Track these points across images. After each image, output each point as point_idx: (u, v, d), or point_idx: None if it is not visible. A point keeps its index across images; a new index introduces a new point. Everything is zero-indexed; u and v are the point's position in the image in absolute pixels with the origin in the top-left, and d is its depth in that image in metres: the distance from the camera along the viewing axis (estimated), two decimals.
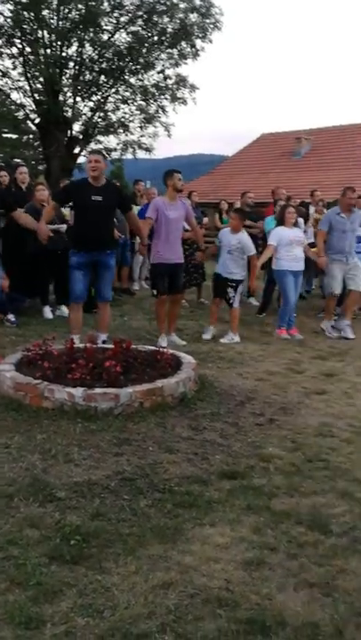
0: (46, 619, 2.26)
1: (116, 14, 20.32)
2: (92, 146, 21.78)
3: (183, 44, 20.63)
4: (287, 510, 3.13)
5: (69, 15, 19.65)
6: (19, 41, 19.82)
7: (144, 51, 20.64)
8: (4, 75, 20.80)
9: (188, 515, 3.05)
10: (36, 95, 20.59)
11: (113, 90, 21.40)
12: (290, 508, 3.17)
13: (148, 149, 21.98)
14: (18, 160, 26.79)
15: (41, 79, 20.15)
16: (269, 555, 2.73)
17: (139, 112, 21.67)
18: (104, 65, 20.84)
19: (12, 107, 22.43)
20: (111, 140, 22.28)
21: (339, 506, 3.21)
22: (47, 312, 7.99)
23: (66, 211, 8.32)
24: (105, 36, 20.50)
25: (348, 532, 2.95)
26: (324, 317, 8.07)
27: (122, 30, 20.65)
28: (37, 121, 21.03)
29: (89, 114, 21.38)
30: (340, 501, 3.26)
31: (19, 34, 19.59)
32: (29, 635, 2.18)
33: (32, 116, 21.57)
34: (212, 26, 20.39)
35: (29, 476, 3.42)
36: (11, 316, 7.34)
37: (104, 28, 20.31)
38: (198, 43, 20.67)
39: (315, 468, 3.68)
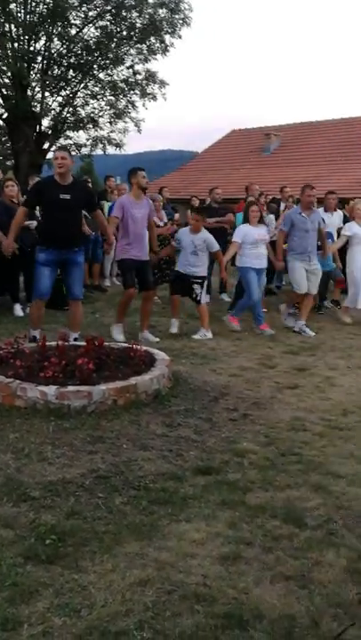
0: (23, 619, 2.25)
1: (84, 8, 20.11)
2: (62, 141, 21.56)
3: (152, 39, 20.52)
4: (262, 504, 3.16)
5: (37, 9, 19.39)
6: None
7: (113, 46, 20.48)
8: None
9: (164, 511, 3.05)
10: (3, 90, 20.28)
11: (82, 85, 21.20)
12: (265, 502, 3.19)
13: (118, 145, 21.84)
14: None
15: (9, 74, 19.85)
16: (245, 549, 2.74)
17: (108, 107, 21.52)
18: (73, 60, 20.62)
19: None
20: (81, 136, 22.11)
21: (313, 499, 3.25)
22: (18, 310, 7.91)
23: None
24: (73, 31, 20.28)
25: (322, 524, 2.99)
26: (284, 302, 8.31)
27: (90, 25, 20.46)
28: (5, 116, 20.72)
29: (58, 109, 21.15)
30: (313, 494, 3.30)
31: None
32: (6, 636, 2.16)
33: None
34: (181, 21, 20.32)
35: (2, 475, 3.39)
36: None
37: (72, 22, 20.08)
38: (167, 38, 20.60)
39: (288, 462, 3.72)
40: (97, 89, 21.44)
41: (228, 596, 2.41)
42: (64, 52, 20.43)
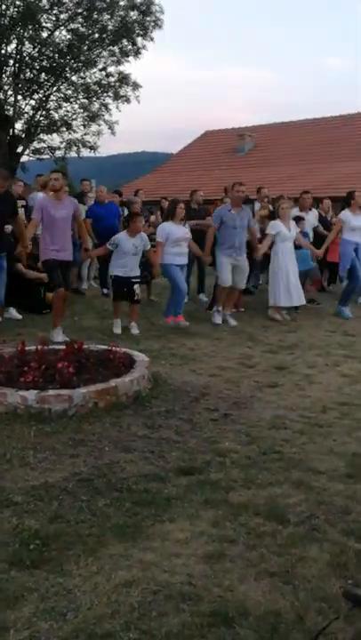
0: (9, 625, 2.24)
1: (55, 11, 20.07)
2: (35, 144, 21.46)
3: (124, 41, 20.54)
4: (245, 502, 3.18)
5: (7, 12, 19.27)
6: None
7: (85, 48, 20.46)
8: None
9: (147, 512, 3.06)
10: None
11: (55, 88, 21.13)
12: (247, 500, 3.21)
13: (92, 147, 21.80)
14: None
15: None
16: (229, 547, 2.76)
17: (82, 110, 21.47)
18: (45, 63, 20.54)
19: None
20: (54, 139, 22.01)
21: (295, 495, 3.28)
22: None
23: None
24: (45, 34, 20.21)
25: (305, 520, 3.02)
26: (216, 305, 8.27)
27: (62, 27, 20.40)
28: None
29: (31, 112, 21.04)
30: (295, 491, 3.33)
31: None
32: None
33: None
34: (152, 23, 20.39)
35: None
36: None
37: (44, 25, 20.01)
38: (139, 40, 20.63)
39: (270, 460, 3.74)
40: (70, 92, 21.39)
41: (213, 594, 2.43)
42: (36, 55, 20.34)
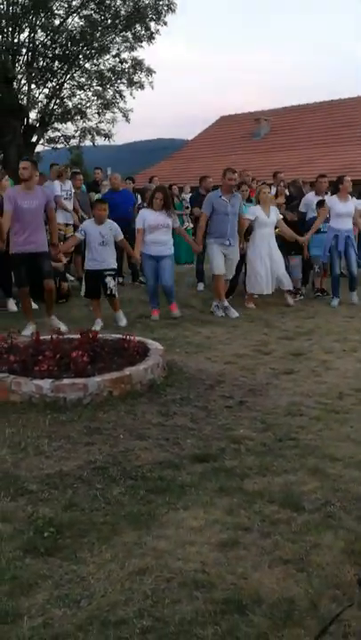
0: (23, 612, 2.26)
1: None
2: (50, 133, 21.42)
3: (137, 26, 20.32)
4: (259, 490, 3.17)
5: (19, 0, 19.18)
6: None
7: (98, 35, 20.27)
8: None
9: (162, 500, 3.06)
10: None
11: (68, 76, 21.00)
12: (262, 487, 3.20)
13: (106, 136, 21.67)
14: None
15: None
16: (243, 535, 2.75)
17: (95, 98, 21.34)
18: (58, 50, 20.40)
19: None
20: (69, 127, 21.92)
21: (310, 483, 3.25)
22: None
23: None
24: (57, 21, 20.06)
25: (320, 507, 2.99)
26: (215, 299, 7.97)
27: (74, 14, 20.22)
28: None
29: (45, 101, 20.96)
30: (311, 478, 3.31)
31: None
32: (7, 629, 2.17)
33: None
34: (165, 7, 20.14)
35: (0, 470, 3.39)
36: None
37: (56, 12, 19.85)
38: (153, 25, 20.40)
39: (285, 447, 3.72)
40: (83, 79, 21.26)
41: (226, 581, 2.42)
42: (49, 43, 20.22)
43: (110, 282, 6.97)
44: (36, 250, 6.57)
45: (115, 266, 7.18)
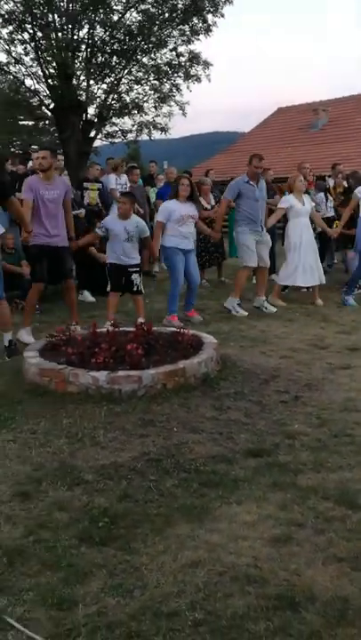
0: (78, 599, 2.30)
1: None
2: (107, 128, 21.65)
3: (195, 19, 20.25)
4: (314, 486, 3.13)
5: None
6: (30, 26, 19.68)
7: (155, 29, 20.32)
8: (18, 61, 20.68)
9: (215, 493, 3.06)
10: (49, 80, 20.48)
11: (126, 71, 21.13)
12: (316, 483, 3.16)
13: (163, 129, 21.72)
14: (35, 147, 26.86)
15: (54, 64, 20.03)
16: (297, 531, 2.73)
17: (152, 92, 21.41)
18: (116, 46, 20.56)
19: (27, 93, 22.38)
20: (126, 122, 22.10)
21: None
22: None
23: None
24: (115, 17, 20.22)
25: None
26: (232, 294, 7.54)
27: (132, 9, 20.34)
28: (52, 106, 20.94)
29: (103, 96, 21.18)
30: None
31: (29, 19, 19.44)
32: (62, 615, 2.22)
33: (46, 101, 21.49)
34: (223, 0, 19.99)
35: (57, 460, 3.47)
36: None
37: (114, 8, 20.03)
38: (210, 18, 20.28)
39: (341, 443, 3.66)
40: (141, 74, 21.35)
41: (279, 577, 2.41)
42: (107, 38, 20.39)
43: (136, 278, 6.72)
44: (61, 244, 6.27)
45: (138, 262, 6.84)
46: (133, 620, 2.18)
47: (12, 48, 20.37)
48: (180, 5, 20.03)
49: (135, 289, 6.74)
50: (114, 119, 21.63)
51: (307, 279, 7.93)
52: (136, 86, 21.40)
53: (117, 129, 21.70)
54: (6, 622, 2.19)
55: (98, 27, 20.02)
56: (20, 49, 20.44)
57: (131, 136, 21.99)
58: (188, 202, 7.05)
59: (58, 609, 2.25)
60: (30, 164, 8.59)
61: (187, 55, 20.89)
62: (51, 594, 2.32)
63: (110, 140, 22.00)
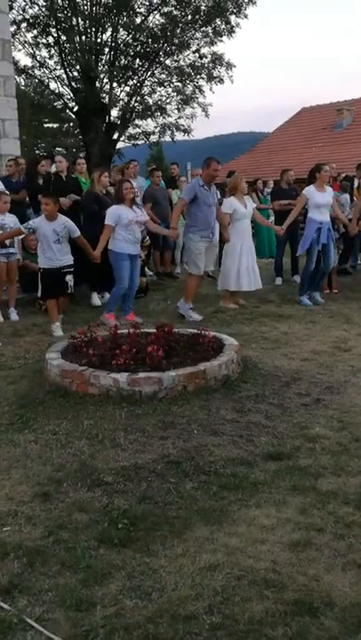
0: (96, 601, 2.32)
1: None
2: (130, 130, 21.77)
3: (218, 21, 20.25)
4: (334, 490, 3.10)
5: (102, 0, 19.56)
6: (54, 30, 19.90)
7: (178, 31, 20.37)
8: (42, 65, 20.95)
9: (234, 496, 3.05)
10: (73, 83, 20.68)
11: (149, 73, 21.25)
12: (337, 487, 3.14)
13: (185, 131, 21.79)
14: (59, 149, 27.10)
15: (77, 67, 20.21)
16: (316, 535, 2.71)
17: (175, 94, 21.48)
18: (139, 48, 20.68)
19: (52, 96, 22.63)
20: (149, 124, 22.21)
21: None
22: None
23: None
24: (138, 19, 20.32)
25: None
26: (183, 299, 7.32)
27: (155, 12, 20.43)
28: (76, 109, 21.13)
29: (126, 99, 21.31)
30: None
31: (53, 22, 19.66)
32: (81, 616, 2.24)
33: (70, 104, 21.70)
34: (246, 0, 19.95)
35: (77, 461, 3.49)
36: None
37: (137, 10, 20.13)
38: (233, 19, 20.27)
39: None
40: (163, 76, 21.45)
41: (298, 582, 2.39)
42: (130, 41, 20.50)
43: (70, 280, 6.54)
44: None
45: (71, 262, 6.62)
46: (151, 623, 2.19)
47: (37, 52, 20.64)
48: (203, 7, 20.06)
49: (69, 290, 6.63)
50: (137, 121, 21.76)
51: (251, 282, 7.78)
52: (159, 88, 21.52)
53: (140, 131, 21.82)
54: (26, 622, 2.21)
55: (121, 30, 20.13)
56: (44, 52, 20.68)
57: (153, 138, 22.08)
58: (134, 207, 6.91)
59: (76, 610, 2.27)
60: (54, 167, 8.65)
61: (210, 57, 20.92)
62: (69, 595, 2.34)
63: (133, 141, 22.11)
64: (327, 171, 7.95)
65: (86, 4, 19.60)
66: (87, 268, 7.67)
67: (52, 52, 20.50)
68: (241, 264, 7.67)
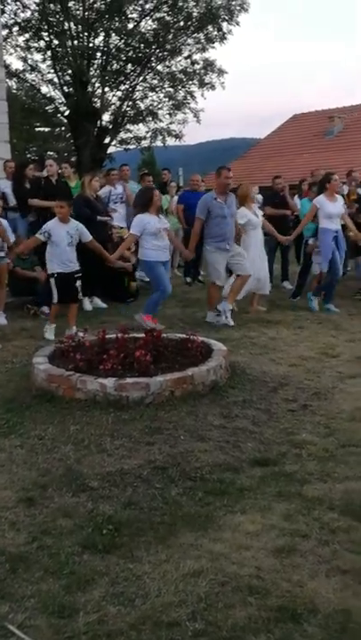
0: (79, 607, 2.30)
1: (140, 1, 20.17)
2: (122, 135, 21.81)
3: (210, 27, 20.36)
4: (320, 496, 3.10)
5: (95, 5, 19.62)
6: (46, 34, 19.93)
7: (170, 37, 20.47)
8: (34, 69, 20.98)
9: (220, 502, 3.05)
10: (65, 88, 20.70)
11: (140, 78, 21.33)
12: (323, 494, 3.14)
13: (177, 136, 21.87)
14: (51, 153, 27.06)
15: (69, 71, 20.24)
16: (301, 542, 2.71)
17: (167, 99, 21.57)
18: (131, 53, 20.76)
19: (43, 100, 22.62)
20: (140, 129, 22.26)
21: None
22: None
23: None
24: (131, 25, 20.40)
25: None
26: (208, 308, 7.44)
27: (147, 17, 20.51)
28: (67, 113, 21.14)
29: (117, 103, 21.37)
30: None
31: (46, 27, 19.69)
32: (63, 623, 2.22)
33: (62, 108, 21.72)
34: (238, 7, 20.07)
35: (63, 466, 3.48)
36: (45, 309, 7.43)
37: (129, 16, 20.20)
38: (225, 25, 20.38)
39: (348, 454, 3.63)
40: (155, 81, 21.55)
41: (281, 588, 2.39)
42: (122, 46, 20.58)
43: (79, 284, 6.62)
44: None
45: (79, 267, 6.67)
46: (133, 630, 2.18)
47: (29, 55, 20.64)
48: (195, 13, 20.15)
49: (80, 296, 6.76)
50: (128, 126, 21.81)
51: (266, 287, 8.05)
52: (151, 93, 21.59)
53: (132, 136, 21.86)
54: (7, 629, 2.19)
55: (113, 34, 20.19)
56: (36, 56, 20.70)
57: (145, 143, 22.13)
58: (160, 215, 6.91)
59: (59, 616, 2.25)
60: (45, 172, 8.64)
61: (201, 63, 21.01)
62: (52, 601, 2.32)
63: (125, 146, 22.14)
64: (337, 180, 8.04)
65: (79, 9, 19.65)
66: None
67: (45, 56, 20.53)
68: (259, 272, 7.85)
